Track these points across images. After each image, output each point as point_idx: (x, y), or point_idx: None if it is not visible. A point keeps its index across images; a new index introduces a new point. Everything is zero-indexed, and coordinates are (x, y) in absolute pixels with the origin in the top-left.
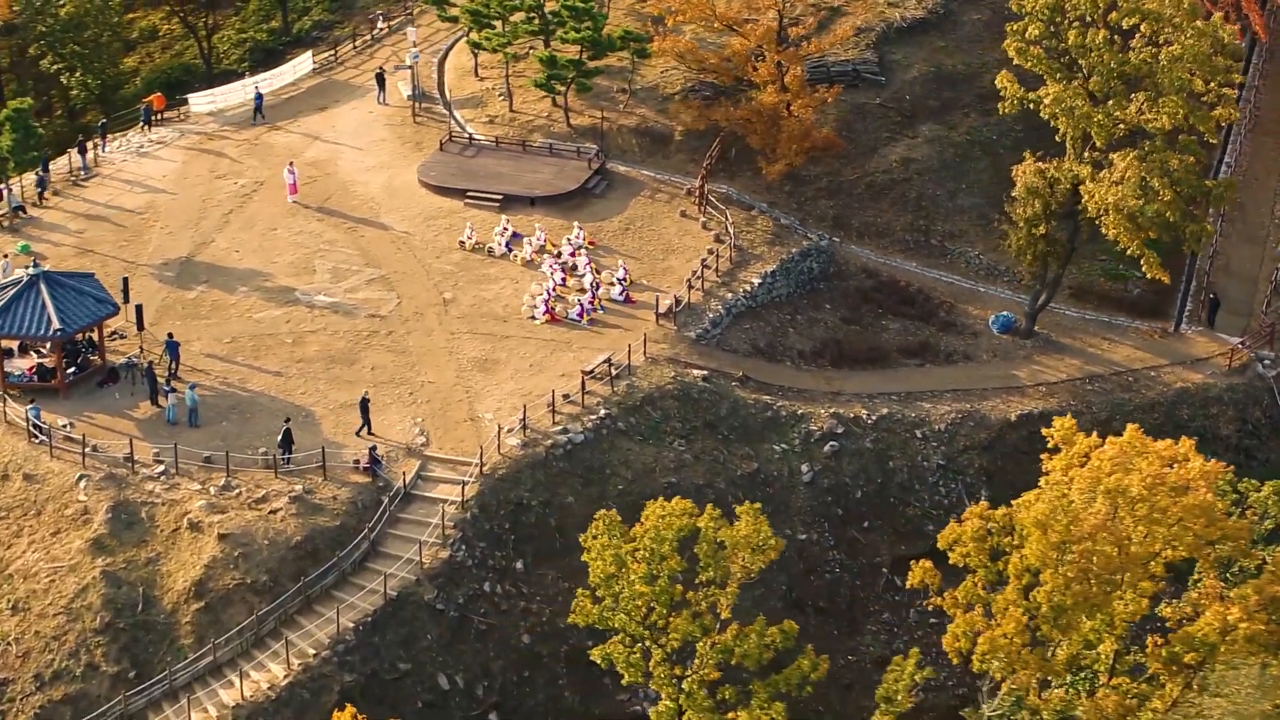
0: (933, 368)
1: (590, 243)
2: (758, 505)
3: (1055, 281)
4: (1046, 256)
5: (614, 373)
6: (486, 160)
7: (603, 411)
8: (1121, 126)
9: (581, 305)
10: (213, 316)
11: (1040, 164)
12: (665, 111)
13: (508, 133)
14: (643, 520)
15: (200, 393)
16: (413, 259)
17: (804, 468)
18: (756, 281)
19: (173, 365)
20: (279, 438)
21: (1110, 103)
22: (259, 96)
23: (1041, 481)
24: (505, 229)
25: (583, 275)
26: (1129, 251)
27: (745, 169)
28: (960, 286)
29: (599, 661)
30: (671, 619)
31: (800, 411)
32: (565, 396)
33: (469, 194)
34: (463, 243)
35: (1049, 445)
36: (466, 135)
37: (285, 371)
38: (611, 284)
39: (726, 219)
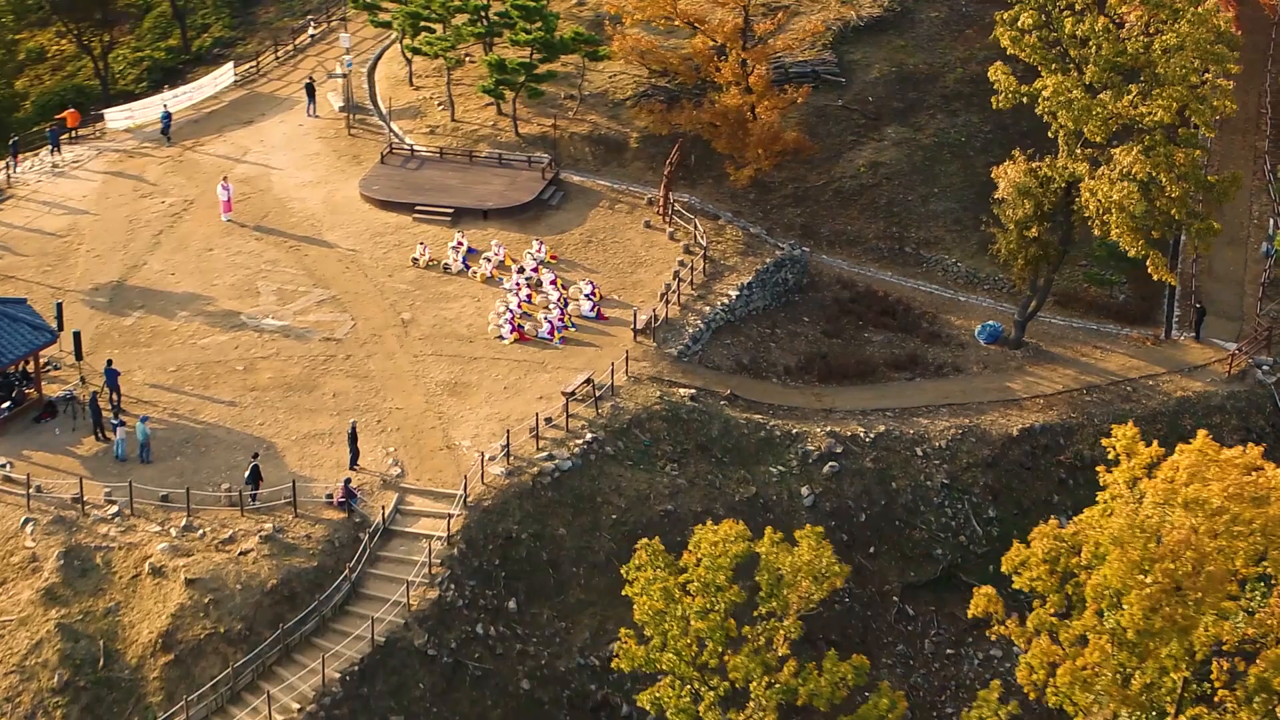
0: (923, 381)
1: (552, 257)
2: (819, 529)
3: (1046, 288)
4: (1038, 261)
5: (597, 394)
6: (432, 172)
7: (589, 436)
8: (1118, 120)
9: (551, 323)
10: (154, 344)
11: (1031, 163)
12: (618, 118)
13: (452, 143)
14: (692, 548)
15: (150, 426)
16: (363, 278)
17: (804, 490)
18: (734, 294)
19: (113, 396)
20: (247, 473)
21: (1107, 94)
22: (166, 116)
23: (1102, 496)
24: (460, 244)
25: (548, 291)
26: (1131, 253)
27: (706, 176)
28: (940, 296)
29: (648, 708)
30: (727, 657)
31: (795, 431)
32: (547, 420)
33: (417, 208)
34: (416, 260)
35: (1109, 456)
36: (408, 147)
37: (239, 401)
38: (579, 300)
39: (697, 229)
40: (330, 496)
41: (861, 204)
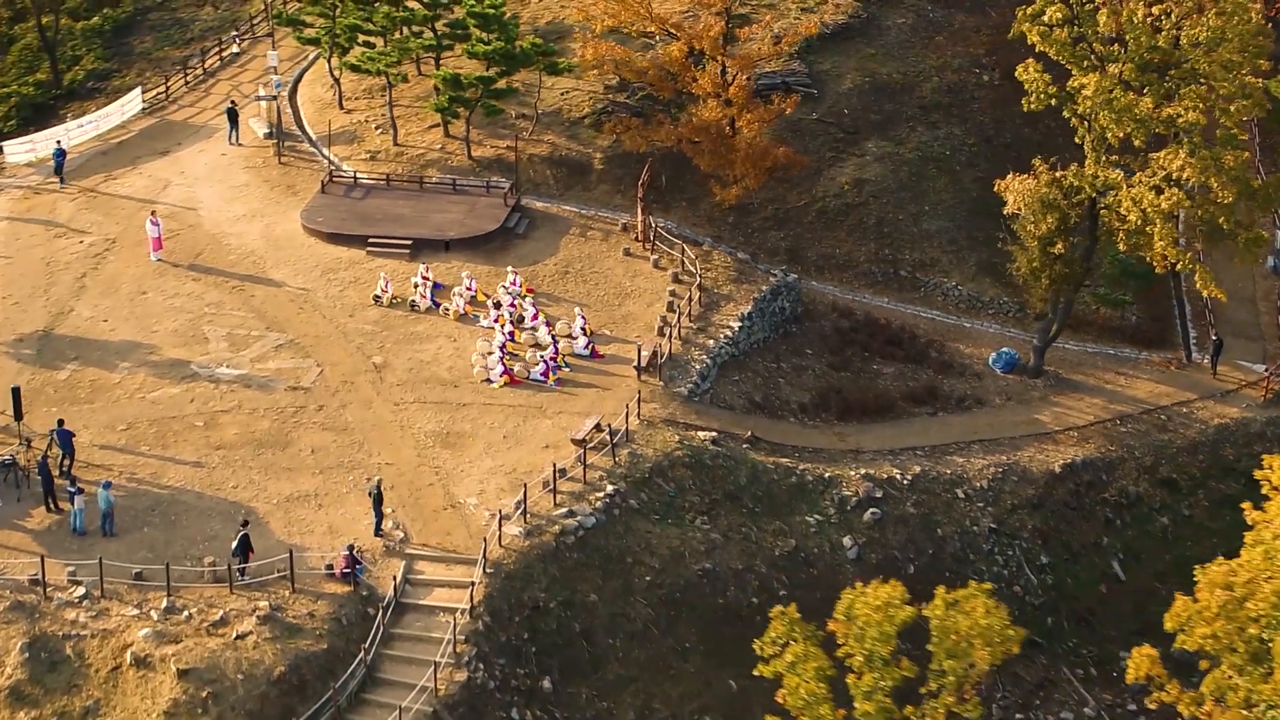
0: (946, 416)
1: (528, 290)
2: (987, 585)
3: (1067, 310)
4: (1063, 281)
5: (613, 440)
6: (380, 201)
7: (609, 488)
8: (1155, 122)
9: (546, 363)
10: (96, 400)
11: (1054, 173)
12: (578, 137)
13: (397, 169)
14: (847, 615)
15: (112, 492)
16: (321, 319)
17: (846, 541)
18: (736, 326)
19: (65, 461)
20: (234, 544)
21: (1146, 92)
22: (60, 154)
23: (1254, 536)
24: (425, 279)
25: (534, 328)
26: (1179, 267)
27: (679, 199)
28: (943, 322)
29: None
30: None
31: (827, 475)
32: (561, 472)
33: (371, 241)
34: (378, 297)
35: (1264, 490)
36: (350, 175)
37: (205, 461)
38: (573, 336)
39: (686, 255)
40: (330, 567)
41: (849, 225)
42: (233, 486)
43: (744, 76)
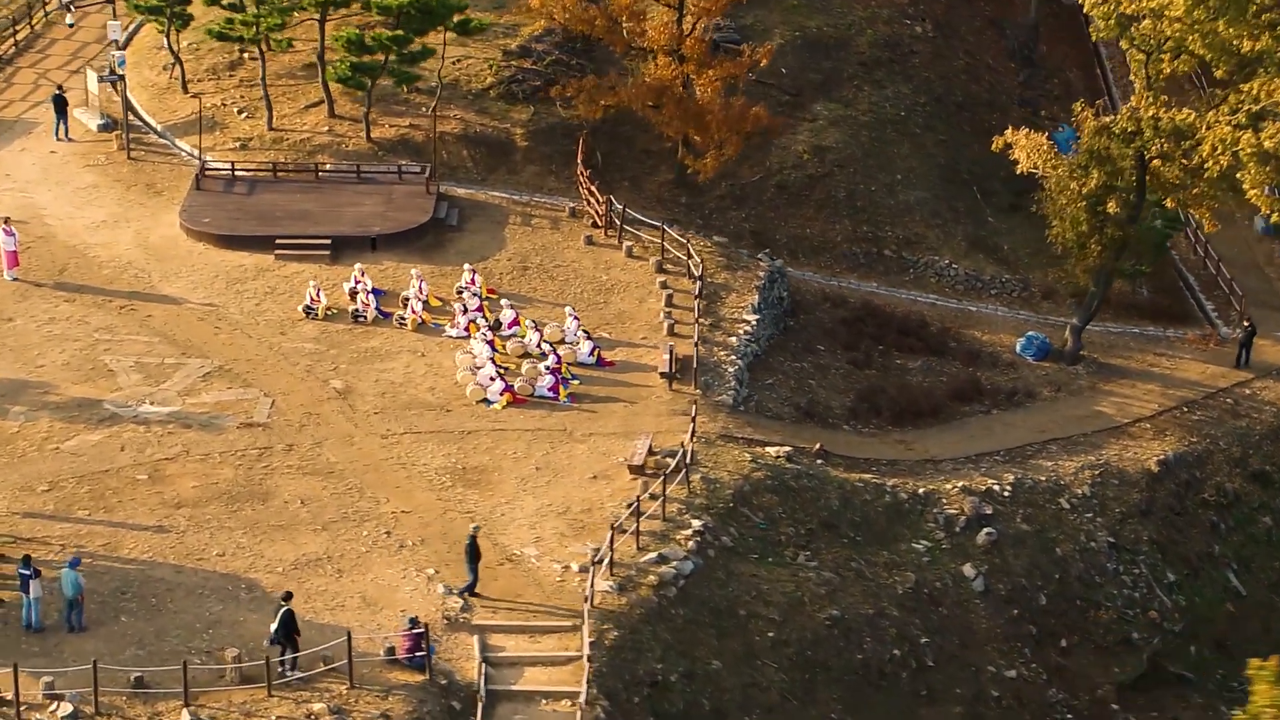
0: (1001, 414)
1: (489, 291)
2: None
3: (1108, 282)
4: (1116, 247)
5: (685, 465)
6: (273, 196)
7: (695, 523)
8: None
9: (556, 376)
10: None
11: (1102, 118)
12: (488, 111)
13: (280, 158)
14: None
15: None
16: (247, 339)
17: (968, 570)
18: (752, 320)
19: None
20: (274, 625)
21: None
22: None
23: None
24: (362, 284)
25: (513, 335)
26: (1274, 219)
27: (618, 177)
28: (945, 307)
29: None
30: None
31: (921, 491)
32: (629, 507)
33: (280, 242)
34: (310, 310)
35: None
36: (227, 167)
37: (169, 524)
38: (567, 341)
39: (664, 242)
40: (392, 650)
41: (816, 200)
42: (217, 555)
43: (699, 27)
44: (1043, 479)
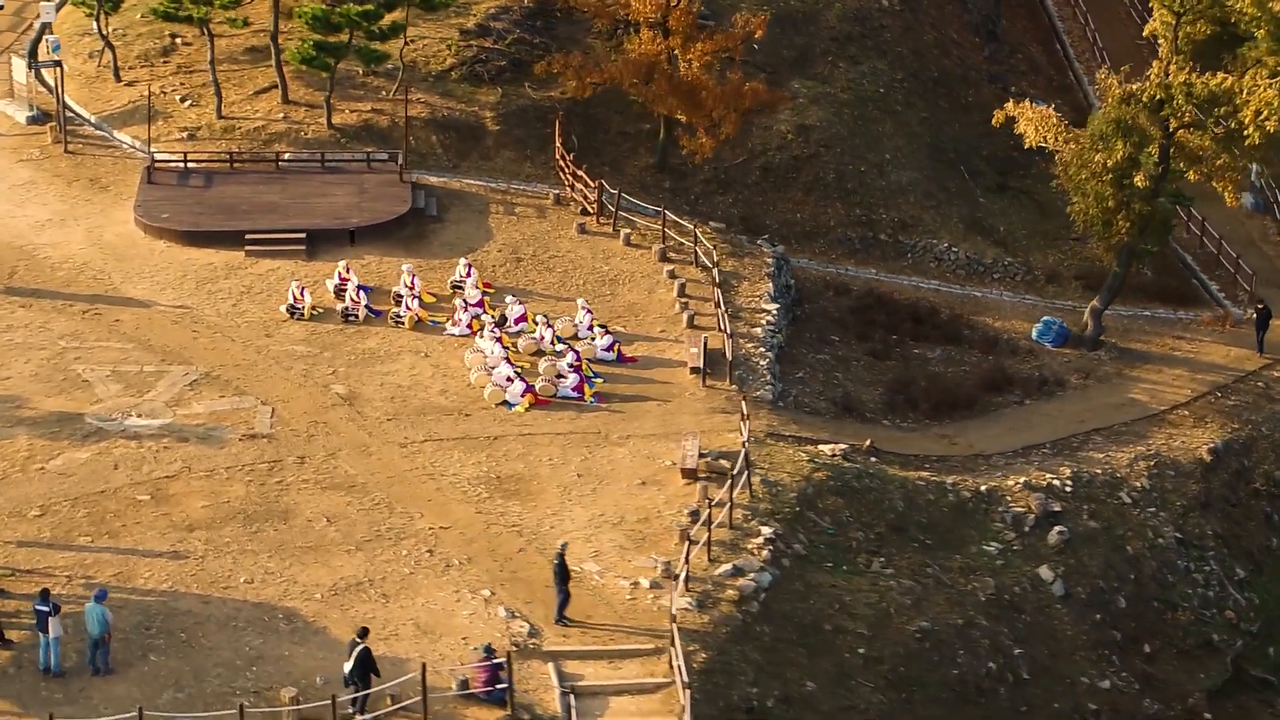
0: (1035, 404)
1: (485, 285)
2: None
3: (1129, 262)
4: (1144, 223)
5: (747, 467)
6: (235, 189)
7: (765, 531)
8: None
9: (580, 375)
10: None
11: (1128, 85)
12: (454, 94)
13: (233, 148)
14: None
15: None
16: (231, 343)
17: (1044, 573)
18: (773, 309)
19: None
20: (349, 665)
21: None
22: None
23: None
24: (349, 280)
25: (522, 331)
26: None
27: (596, 161)
28: (950, 293)
29: None
30: None
31: (983, 488)
32: (691, 515)
33: (250, 238)
34: (294, 310)
35: None
36: (179, 159)
37: (184, 549)
38: (579, 336)
39: (665, 229)
40: (465, 684)
41: (804, 183)
42: (245, 582)
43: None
44: (1098, 472)
